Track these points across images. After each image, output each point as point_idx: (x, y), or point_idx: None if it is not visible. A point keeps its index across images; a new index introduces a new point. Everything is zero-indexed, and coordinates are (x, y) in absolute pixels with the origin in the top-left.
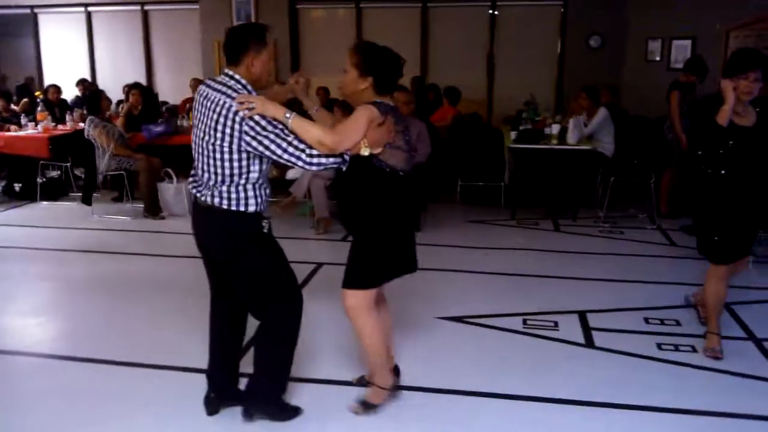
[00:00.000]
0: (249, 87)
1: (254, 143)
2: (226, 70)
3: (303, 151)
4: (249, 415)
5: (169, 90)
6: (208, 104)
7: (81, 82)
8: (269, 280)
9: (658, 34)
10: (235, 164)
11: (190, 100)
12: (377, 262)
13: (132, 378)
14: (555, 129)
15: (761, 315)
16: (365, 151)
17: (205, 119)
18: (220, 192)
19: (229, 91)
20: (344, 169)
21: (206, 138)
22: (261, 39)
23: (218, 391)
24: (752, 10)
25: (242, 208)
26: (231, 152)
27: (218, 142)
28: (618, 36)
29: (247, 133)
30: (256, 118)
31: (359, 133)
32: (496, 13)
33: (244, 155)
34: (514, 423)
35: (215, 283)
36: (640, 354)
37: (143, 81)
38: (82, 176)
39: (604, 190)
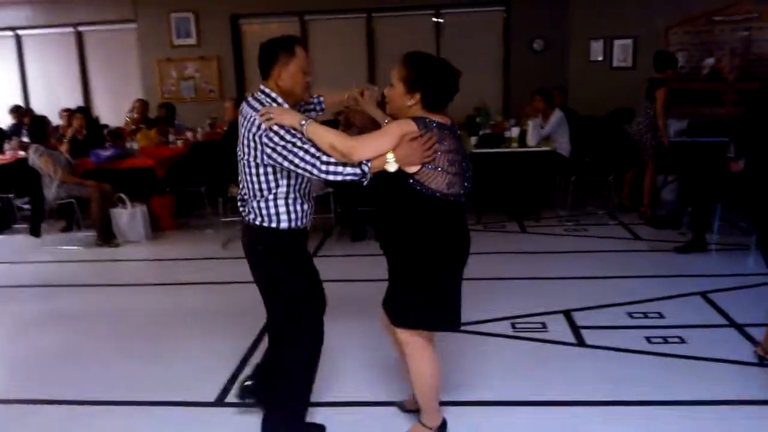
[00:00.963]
0: (279, 100)
1: (274, 155)
2: (260, 86)
3: (318, 158)
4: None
5: (109, 113)
6: (242, 120)
7: (15, 110)
8: (295, 303)
9: (599, 34)
10: (262, 178)
11: (137, 120)
12: (414, 301)
13: (92, 416)
14: (515, 132)
15: (736, 301)
16: (391, 167)
17: (240, 135)
18: (253, 208)
19: (258, 106)
20: (365, 183)
21: (240, 154)
22: (289, 50)
23: (256, 387)
24: (690, 9)
25: (273, 225)
26: (257, 166)
27: (247, 157)
28: (561, 38)
29: (266, 145)
30: (275, 128)
31: (382, 146)
32: (440, 20)
33: (269, 169)
34: (525, 429)
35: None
36: (631, 349)
37: (80, 105)
38: (26, 207)
39: (564, 189)
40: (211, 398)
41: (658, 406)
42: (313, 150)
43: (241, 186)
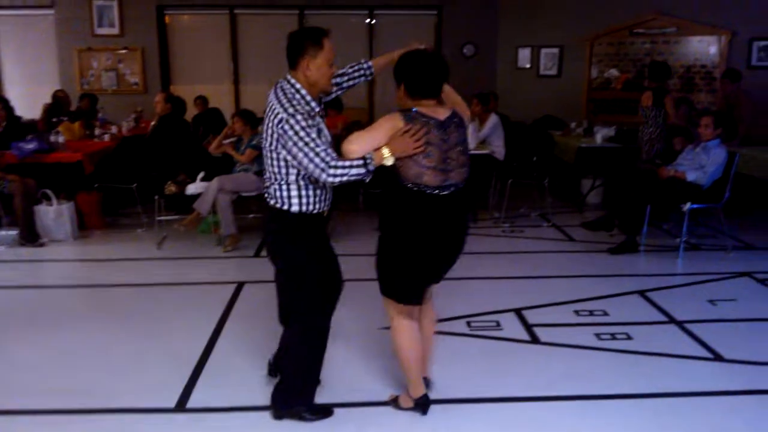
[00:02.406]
0: (303, 92)
1: (288, 146)
2: (287, 75)
3: (328, 164)
4: (278, 415)
5: (25, 104)
6: (267, 108)
7: None
8: (305, 284)
9: (527, 42)
10: (275, 164)
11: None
12: (386, 273)
13: (18, 427)
14: None
15: (672, 299)
16: (388, 161)
17: (264, 123)
18: (270, 191)
19: (281, 95)
20: (367, 180)
21: (264, 140)
22: (317, 42)
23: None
24: (613, 21)
25: (285, 207)
26: (271, 152)
27: (267, 143)
28: (490, 45)
29: (281, 136)
30: (291, 122)
31: (373, 141)
32: (373, 21)
33: (281, 155)
34: (485, 425)
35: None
36: (583, 345)
37: None
38: None
39: (499, 192)
40: (171, 404)
41: (614, 400)
42: (323, 155)
43: (266, 170)
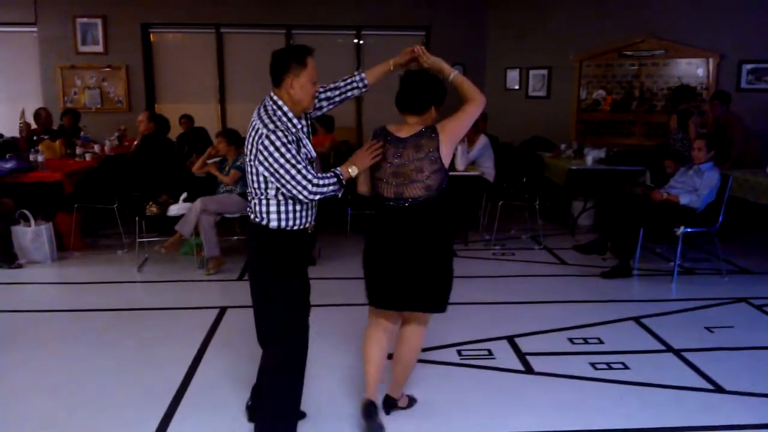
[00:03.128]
0: (285, 108)
1: (266, 164)
2: (270, 93)
3: (310, 182)
4: None
5: (6, 122)
6: (250, 126)
7: None
8: (282, 304)
9: (516, 63)
10: (254, 178)
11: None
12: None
13: None
14: None
15: (669, 326)
16: (353, 172)
17: (246, 139)
18: (251, 206)
19: (263, 113)
20: (339, 196)
21: (247, 157)
22: (300, 61)
23: (259, 401)
24: (601, 43)
25: (264, 222)
26: (251, 166)
27: (247, 159)
28: (479, 66)
29: (261, 153)
30: (272, 138)
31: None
32: (361, 42)
33: (261, 169)
34: None
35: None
36: (578, 376)
37: None
38: None
39: (489, 213)
40: None
41: None
42: (304, 171)
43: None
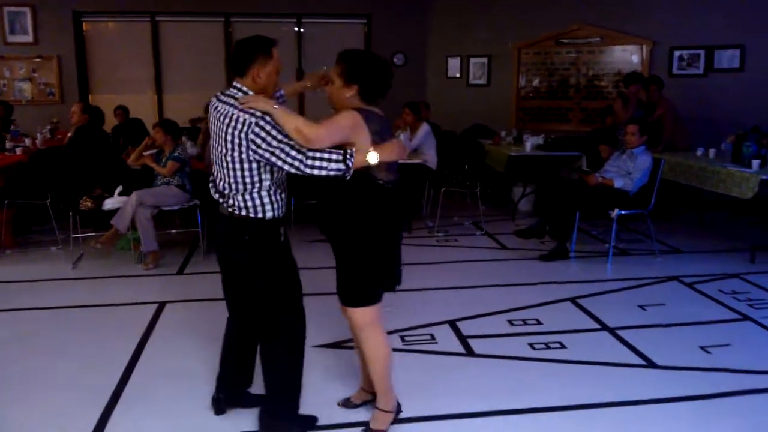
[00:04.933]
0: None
1: (260, 150)
2: (234, 83)
3: (304, 155)
4: None
5: None
6: (219, 116)
7: None
8: (281, 290)
9: (456, 51)
10: (246, 173)
11: None
12: (371, 277)
13: None
14: None
15: (603, 305)
16: (372, 160)
17: (218, 131)
18: (237, 201)
19: (236, 103)
20: (348, 177)
21: (221, 150)
22: (267, 52)
23: (227, 393)
24: (538, 30)
25: (260, 215)
26: (242, 161)
27: (230, 153)
28: (420, 54)
29: (253, 141)
30: (262, 123)
31: (340, 136)
32: (302, 30)
33: (254, 164)
34: None
35: (232, 300)
36: (518, 356)
37: None
38: None
39: (432, 201)
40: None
41: (551, 412)
42: (298, 145)
43: (218, 180)
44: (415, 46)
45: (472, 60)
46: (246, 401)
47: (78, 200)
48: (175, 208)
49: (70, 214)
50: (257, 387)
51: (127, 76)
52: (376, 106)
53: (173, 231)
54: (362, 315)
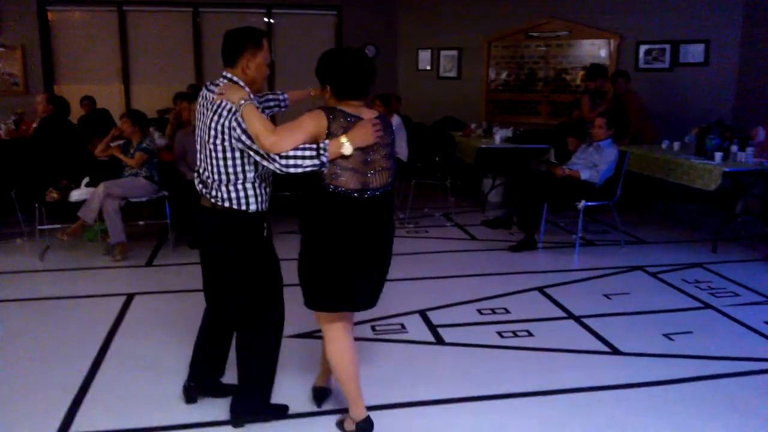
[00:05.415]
0: (246, 89)
1: (242, 137)
2: (224, 72)
3: (278, 154)
4: (239, 422)
5: None
6: (206, 104)
7: None
8: (262, 284)
9: (427, 44)
10: (230, 163)
11: None
12: (310, 285)
13: None
14: None
15: (569, 294)
16: (346, 150)
17: (204, 119)
18: (221, 192)
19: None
20: (325, 171)
21: (205, 137)
22: (257, 43)
23: (198, 382)
24: (509, 24)
25: (243, 207)
26: (225, 150)
27: (213, 140)
28: (391, 46)
29: (234, 129)
30: (240, 115)
31: (299, 139)
32: (271, 21)
33: (237, 154)
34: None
35: (210, 292)
36: (487, 344)
37: None
38: None
39: (403, 192)
40: (53, 429)
41: (521, 398)
42: None
43: (202, 170)
44: (386, 38)
45: (443, 53)
46: (217, 391)
47: (44, 192)
48: (143, 199)
49: (36, 205)
50: (229, 377)
51: (94, 67)
52: (362, 103)
53: (141, 223)
54: (317, 317)
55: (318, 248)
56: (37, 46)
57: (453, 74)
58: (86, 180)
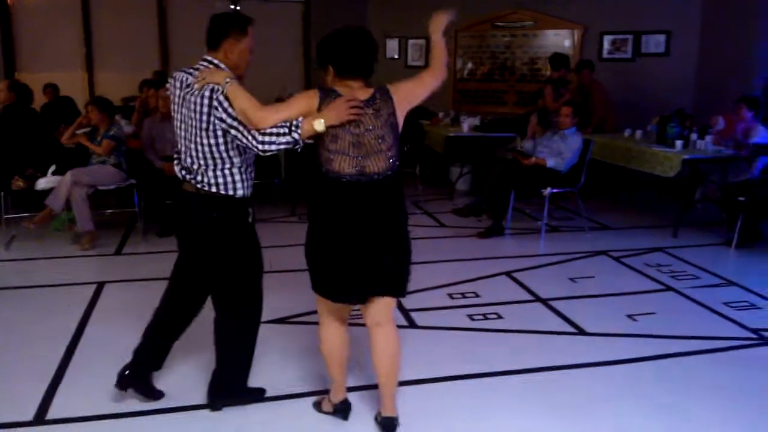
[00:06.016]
0: (227, 71)
1: (225, 119)
2: (205, 55)
3: (257, 130)
4: (216, 406)
5: None
6: (187, 88)
7: None
8: (244, 268)
9: (395, 33)
10: (214, 148)
11: None
12: (310, 268)
13: None
14: None
15: (536, 278)
16: (319, 126)
17: (185, 103)
18: (207, 177)
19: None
20: (299, 150)
21: (189, 122)
22: (242, 29)
23: (136, 371)
24: (476, 13)
25: (230, 192)
26: (208, 135)
27: (199, 125)
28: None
29: (216, 108)
30: (225, 93)
31: (286, 113)
32: (238, 8)
33: (221, 139)
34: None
35: (180, 280)
36: (457, 327)
37: None
38: None
39: None
40: (29, 417)
41: (491, 377)
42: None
43: (184, 156)
44: (354, 26)
45: (411, 41)
46: (148, 388)
47: (9, 180)
48: (111, 187)
49: (1, 194)
50: (164, 380)
51: (56, 53)
52: (367, 82)
53: (108, 211)
54: (317, 299)
55: (316, 234)
56: None
57: (421, 63)
58: (53, 168)
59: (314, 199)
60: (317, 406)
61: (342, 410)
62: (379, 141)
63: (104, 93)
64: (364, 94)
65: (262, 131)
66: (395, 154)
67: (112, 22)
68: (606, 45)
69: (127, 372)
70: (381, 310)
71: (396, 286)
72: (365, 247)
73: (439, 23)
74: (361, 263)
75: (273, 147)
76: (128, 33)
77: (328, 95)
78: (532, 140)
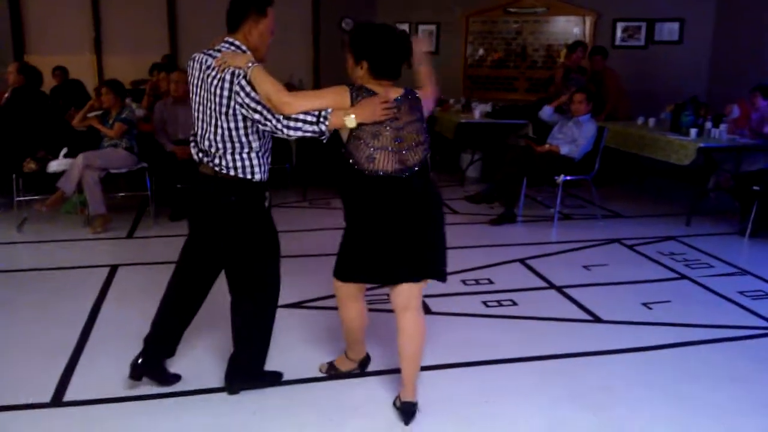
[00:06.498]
0: (248, 53)
1: (246, 102)
2: (226, 38)
3: (281, 113)
4: (234, 389)
5: None
6: (207, 70)
7: None
8: (261, 252)
9: (405, 18)
10: (234, 132)
11: None
12: (343, 257)
13: None
14: None
15: (550, 265)
16: (350, 123)
17: (205, 85)
18: (227, 160)
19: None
20: (324, 141)
21: (208, 104)
22: (261, 10)
23: (149, 359)
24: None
25: (248, 176)
26: (228, 119)
27: (218, 108)
28: (369, 19)
29: (238, 93)
30: (249, 78)
31: (313, 106)
32: None
33: (241, 123)
34: (384, 398)
35: (193, 265)
36: (472, 313)
37: None
38: None
39: None
40: (46, 399)
41: (506, 363)
42: None
43: (201, 138)
44: (364, 11)
45: (421, 27)
46: (159, 375)
47: (21, 162)
48: (123, 170)
49: (13, 176)
50: (179, 364)
51: (65, 36)
52: (396, 83)
53: (119, 195)
54: (334, 283)
55: (360, 231)
56: (7, 15)
57: (431, 49)
58: (64, 151)
59: (353, 197)
60: (332, 369)
61: (366, 363)
62: (417, 133)
63: (113, 76)
64: (395, 93)
65: (287, 116)
66: (427, 143)
67: (121, 6)
68: (619, 32)
69: (139, 361)
70: (413, 295)
71: (438, 269)
72: (412, 235)
73: (421, 57)
74: (409, 250)
75: (299, 132)
76: (137, 16)
77: (359, 93)
78: (551, 109)
